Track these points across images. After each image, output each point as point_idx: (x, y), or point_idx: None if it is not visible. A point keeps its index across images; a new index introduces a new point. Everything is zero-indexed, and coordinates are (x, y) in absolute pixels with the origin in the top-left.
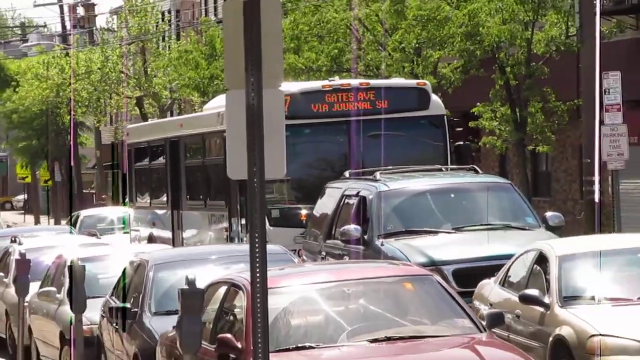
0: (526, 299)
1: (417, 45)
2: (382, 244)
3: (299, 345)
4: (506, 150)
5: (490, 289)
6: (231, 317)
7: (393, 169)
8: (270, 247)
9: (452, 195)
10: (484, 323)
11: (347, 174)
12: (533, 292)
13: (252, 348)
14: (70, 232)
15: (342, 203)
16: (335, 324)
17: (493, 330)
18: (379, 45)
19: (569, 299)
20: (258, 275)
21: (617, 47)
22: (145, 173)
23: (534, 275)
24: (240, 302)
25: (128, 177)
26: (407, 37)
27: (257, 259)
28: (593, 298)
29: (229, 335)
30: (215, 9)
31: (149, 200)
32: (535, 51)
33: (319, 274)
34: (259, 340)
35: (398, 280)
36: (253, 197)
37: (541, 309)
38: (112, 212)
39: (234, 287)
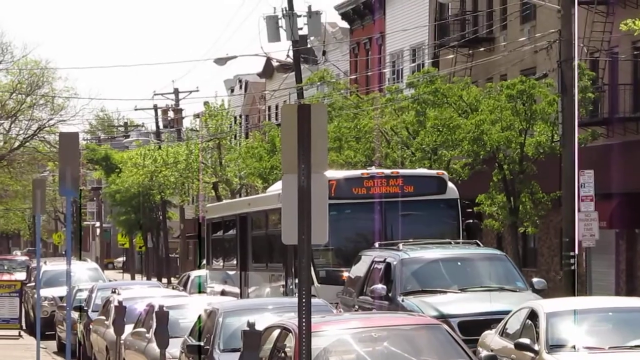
0: (520, 347)
1: (434, 146)
2: (402, 300)
3: None
4: (502, 230)
5: (491, 338)
6: (282, 355)
7: (413, 242)
8: (314, 300)
9: (459, 263)
10: None
11: (376, 244)
12: (525, 340)
13: None
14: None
15: (372, 267)
16: None
17: None
18: (404, 145)
19: (554, 347)
20: (304, 321)
21: (591, 151)
22: (220, 242)
23: (526, 328)
24: (290, 343)
25: (206, 245)
26: (426, 140)
27: (304, 309)
28: (574, 347)
29: None
30: (276, 114)
31: (222, 263)
32: (526, 153)
33: (352, 321)
34: None
35: (414, 327)
36: (302, 259)
37: (532, 355)
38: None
39: (285, 330)
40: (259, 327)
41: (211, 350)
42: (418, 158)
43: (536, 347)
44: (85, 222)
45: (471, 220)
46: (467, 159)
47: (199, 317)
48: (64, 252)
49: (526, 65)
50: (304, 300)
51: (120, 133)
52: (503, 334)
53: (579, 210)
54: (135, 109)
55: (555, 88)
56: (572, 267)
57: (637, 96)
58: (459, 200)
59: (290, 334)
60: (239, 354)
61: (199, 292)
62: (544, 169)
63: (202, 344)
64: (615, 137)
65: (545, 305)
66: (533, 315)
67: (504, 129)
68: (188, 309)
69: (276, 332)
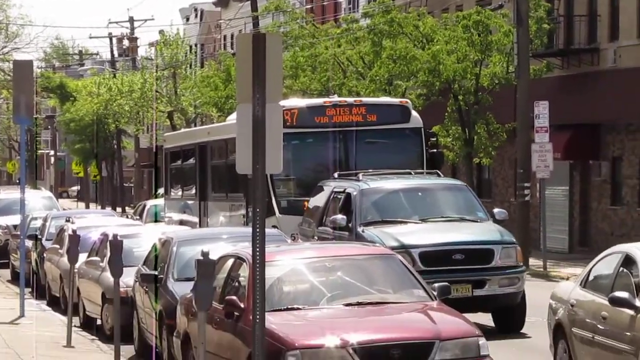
0: (616, 302)
1: (389, 76)
2: (362, 231)
3: (289, 306)
4: (457, 161)
5: (569, 288)
6: (236, 284)
7: (373, 172)
8: (268, 230)
9: (420, 194)
10: (434, 293)
11: (336, 175)
12: (623, 294)
13: (252, 308)
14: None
15: (331, 197)
16: (318, 291)
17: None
18: (359, 75)
19: None
20: (258, 250)
21: (546, 82)
22: (178, 171)
23: (620, 277)
24: (244, 272)
25: (164, 175)
26: (381, 71)
27: (258, 238)
28: None
29: (234, 297)
30: (231, 44)
31: (180, 193)
32: (482, 84)
33: (306, 251)
34: (258, 301)
35: (368, 257)
36: (256, 188)
37: (631, 312)
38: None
39: (239, 260)
40: (213, 256)
41: (165, 279)
42: (373, 89)
43: (637, 303)
44: (40, 151)
45: (435, 150)
46: (423, 89)
47: (154, 246)
48: (18, 181)
49: None
50: (258, 229)
51: (75, 61)
52: (586, 284)
53: (533, 142)
54: (90, 37)
55: (510, 19)
56: (527, 198)
57: (592, 28)
58: (422, 129)
59: (245, 263)
60: (193, 283)
61: (155, 221)
62: (499, 100)
63: (156, 273)
64: (570, 68)
65: None
66: (629, 262)
67: (459, 60)
68: (142, 238)
69: (230, 262)
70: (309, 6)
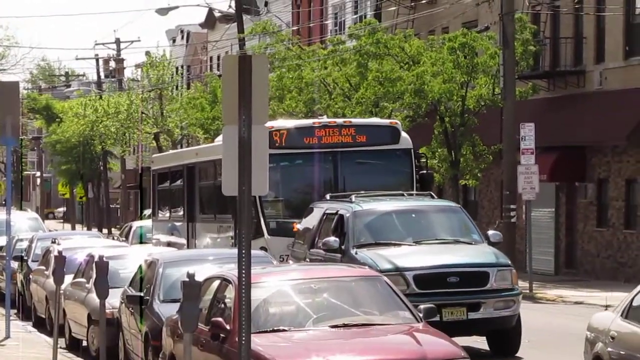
0: None
1: (376, 98)
2: (356, 253)
3: (275, 328)
4: (443, 183)
5: (608, 320)
6: (222, 305)
7: (365, 194)
8: (254, 252)
9: (413, 215)
10: (420, 315)
11: (328, 196)
12: None
13: (238, 329)
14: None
15: (323, 219)
16: (303, 313)
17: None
18: (346, 97)
19: None
20: (244, 272)
21: (532, 104)
22: (166, 192)
23: None
24: (230, 294)
25: (151, 196)
26: (368, 93)
27: (244, 260)
28: None
29: (220, 319)
30: (218, 65)
31: (168, 214)
32: (468, 106)
33: (292, 273)
34: (244, 323)
35: (354, 279)
36: (242, 210)
37: None
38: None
39: (225, 281)
40: (199, 278)
41: (151, 301)
42: (360, 110)
43: None
44: (26, 172)
45: (425, 171)
46: (409, 111)
47: (140, 268)
48: (4, 202)
49: (468, 18)
50: (243, 251)
51: (61, 83)
52: (628, 314)
53: (519, 163)
54: (77, 59)
55: (496, 41)
56: (513, 220)
57: (578, 50)
58: (412, 150)
59: (230, 285)
60: (178, 304)
61: (141, 242)
62: (485, 121)
63: (142, 294)
64: (556, 90)
65: None
66: None
67: (445, 82)
68: (128, 259)
69: (216, 283)
70: (295, 27)
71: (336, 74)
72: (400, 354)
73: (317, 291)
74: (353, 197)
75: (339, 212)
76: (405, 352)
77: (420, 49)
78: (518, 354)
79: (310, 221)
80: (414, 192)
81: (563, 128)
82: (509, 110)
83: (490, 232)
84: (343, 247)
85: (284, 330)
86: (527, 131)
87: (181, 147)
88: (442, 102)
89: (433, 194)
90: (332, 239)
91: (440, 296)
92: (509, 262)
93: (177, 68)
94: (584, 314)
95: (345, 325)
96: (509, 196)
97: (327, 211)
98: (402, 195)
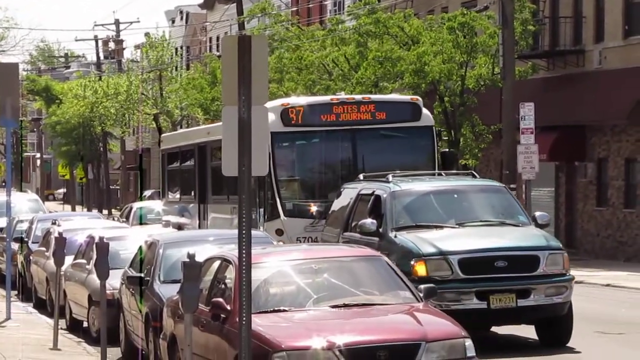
0: None
1: (375, 78)
2: (395, 236)
3: (275, 308)
4: None
5: None
6: (223, 286)
7: (402, 173)
8: (254, 232)
9: (455, 196)
10: (421, 295)
11: (361, 176)
12: None
13: (238, 310)
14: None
15: (358, 201)
16: (304, 293)
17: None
18: (345, 78)
19: None
20: (244, 253)
21: (532, 84)
22: (176, 173)
23: None
24: (230, 274)
25: (161, 177)
26: (367, 73)
27: (244, 241)
28: None
29: (220, 300)
30: (217, 46)
31: (179, 196)
32: (467, 85)
33: (292, 253)
34: (244, 304)
35: (355, 259)
36: (243, 190)
37: None
38: (158, 205)
39: (225, 262)
40: (200, 258)
41: (151, 282)
42: (359, 91)
43: None
44: (26, 153)
45: (447, 149)
46: (408, 91)
47: (140, 249)
48: (3, 183)
49: None
50: (244, 231)
51: (60, 64)
52: None
53: (519, 143)
54: (76, 40)
55: (496, 20)
56: None
57: (577, 29)
58: (434, 128)
59: (231, 265)
60: (179, 285)
61: (141, 223)
62: (484, 101)
63: (142, 275)
64: (555, 70)
65: None
66: None
67: (445, 61)
68: (129, 240)
69: (216, 264)
70: (294, 8)
71: (335, 53)
72: (401, 334)
73: (317, 271)
74: (390, 177)
75: (375, 193)
76: (406, 332)
77: (419, 28)
78: (570, 344)
79: (342, 203)
80: (455, 171)
81: (562, 107)
82: (509, 89)
83: (538, 214)
84: (381, 229)
85: (284, 311)
86: (527, 111)
87: (181, 127)
88: (442, 82)
89: (475, 173)
90: (369, 221)
91: (487, 282)
92: (560, 246)
93: (176, 49)
94: (584, 293)
95: (345, 305)
96: (508, 176)
97: (362, 192)
98: (441, 174)
